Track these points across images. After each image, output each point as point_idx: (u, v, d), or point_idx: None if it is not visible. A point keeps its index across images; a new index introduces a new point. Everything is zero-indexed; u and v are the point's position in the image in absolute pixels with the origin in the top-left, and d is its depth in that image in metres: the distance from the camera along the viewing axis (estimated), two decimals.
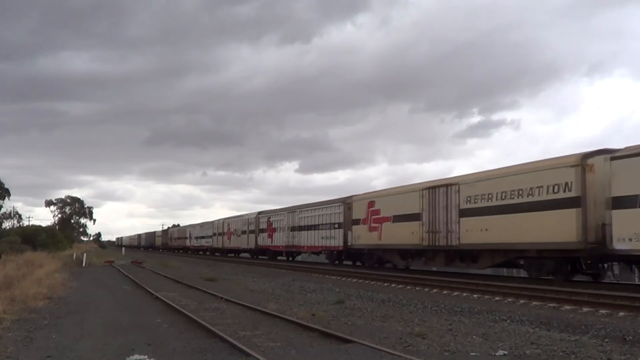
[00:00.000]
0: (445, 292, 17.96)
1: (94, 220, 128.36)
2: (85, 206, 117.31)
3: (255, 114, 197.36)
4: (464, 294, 17.05)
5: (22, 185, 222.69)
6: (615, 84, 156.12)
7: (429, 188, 24.93)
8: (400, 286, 20.35)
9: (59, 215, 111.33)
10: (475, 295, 16.58)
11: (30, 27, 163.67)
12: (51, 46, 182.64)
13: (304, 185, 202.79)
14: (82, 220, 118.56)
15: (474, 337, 9.76)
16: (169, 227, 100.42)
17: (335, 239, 33.79)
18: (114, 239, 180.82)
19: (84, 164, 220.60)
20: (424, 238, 24.63)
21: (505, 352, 8.49)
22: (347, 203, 33.22)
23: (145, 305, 14.97)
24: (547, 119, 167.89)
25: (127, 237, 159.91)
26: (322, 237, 35.48)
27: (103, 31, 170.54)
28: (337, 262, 35.41)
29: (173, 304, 14.25)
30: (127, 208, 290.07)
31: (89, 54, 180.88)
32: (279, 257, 45.34)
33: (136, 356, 8.38)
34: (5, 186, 73.71)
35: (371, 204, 30.03)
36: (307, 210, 38.98)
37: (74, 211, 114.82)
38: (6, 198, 74.68)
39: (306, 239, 38.10)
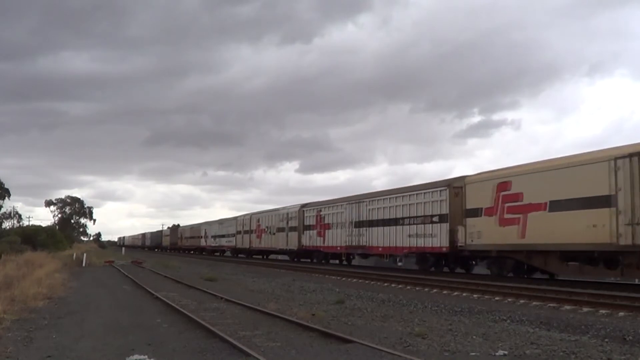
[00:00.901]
0: (445, 292, 17.96)
1: (94, 220, 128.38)
2: (85, 206, 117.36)
3: (256, 114, 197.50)
4: (464, 294, 17.05)
5: (22, 185, 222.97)
6: (615, 84, 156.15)
7: (629, 155, 16.33)
8: (400, 286, 20.35)
9: (59, 215, 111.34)
10: (475, 295, 16.58)
11: (31, 27, 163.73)
12: (51, 46, 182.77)
13: (304, 186, 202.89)
14: (82, 220, 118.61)
15: (474, 337, 9.76)
16: (178, 225, 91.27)
17: (435, 237, 25.17)
18: (116, 239, 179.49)
19: (84, 164, 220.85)
20: (620, 234, 16.20)
21: (505, 352, 8.49)
22: (454, 187, 24.71)
23: (145, 305, 14.97)
24: (548, 119, 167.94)
25: (129, 236, 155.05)
26: (410, 235, 26.90)
27: (103, 31, 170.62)
28: (433, 268, 26.68)
29: (173, 304, 14.25)
30: (127, 208, 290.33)
31: (89, 54, 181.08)
32: (332, 261, 37.05)
33: (136, 356, 8.38)
34: (5, 186, 73.69)
35: (503, 185, 21.28)
36: (383, 199, 29.89)
37: (74, 211, 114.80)
38: (6, 198, 74.67)
39: (381, 237, 29.27)
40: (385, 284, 21.32)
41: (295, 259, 41.47)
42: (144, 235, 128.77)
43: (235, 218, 56.39)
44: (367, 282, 22.61)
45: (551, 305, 13.99)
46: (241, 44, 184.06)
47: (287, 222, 41.83)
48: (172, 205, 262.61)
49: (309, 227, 38.45)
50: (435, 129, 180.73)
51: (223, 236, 60.08)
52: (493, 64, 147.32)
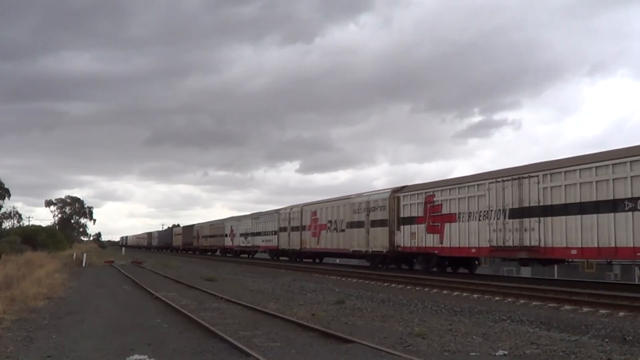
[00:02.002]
0: (445, 292, 17.95)
1: (94, 220, 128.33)
2: (85, 206, 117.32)
3: (257, 114, 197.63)
4: (464, 294, 17.04)
5: (23, 185, 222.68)
6: (616, 84, 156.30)
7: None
8: (400, 286, 20.34)
9: (59, 215, 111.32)
10: (475, 295, 16.57)
11: (31, 27, 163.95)
12: (52, 46, 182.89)
13: (305, 186, 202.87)
14: (82, 220, 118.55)
15: (474, 337, 9.76)
16: (193, 224, 78.21)
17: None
18: (118, 239, 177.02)
19: (84, 164, 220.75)
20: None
21: (505, 352, 8.49)
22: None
23: (145, 305, 14.97)
24: (548, 119, 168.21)
25: (133, 236, 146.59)
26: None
27: (104, 31, 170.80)
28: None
29: (173, 304, 14.25)
30: (127, 208, 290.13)
31: (89, 54, 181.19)
32: (447, 268, 26.05)
33: (136, 356, 8.38)
34: (6, 186, 73.69)
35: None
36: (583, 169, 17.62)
37: (74, 211, 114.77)
38: (6, 198, 74.65)
39: (569, 231, 17.69)
40: (385, 284, 21.31)
41: (381, 265, 29.36)
42: (150, 234, 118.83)
43: (277, 211, 44.38)
44: (367, 282, 22.60)
45: (551, 305, 13.98)
46: (242, 44, 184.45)
47: (368, 214, 29.56)
48: (172, 205, 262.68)
49: (410, 220, 26.22)
50: (436, 129, 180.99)
51: (258, 234, 48.35)
52: (494, 63, 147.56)
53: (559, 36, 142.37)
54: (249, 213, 54.80)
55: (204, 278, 24.34)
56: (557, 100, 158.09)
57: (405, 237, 26.41)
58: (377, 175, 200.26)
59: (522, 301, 14.99)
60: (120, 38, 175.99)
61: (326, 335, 9.75)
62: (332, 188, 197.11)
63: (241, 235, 53.33)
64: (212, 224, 66.81)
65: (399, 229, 27.01)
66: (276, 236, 43.55)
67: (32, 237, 56.63)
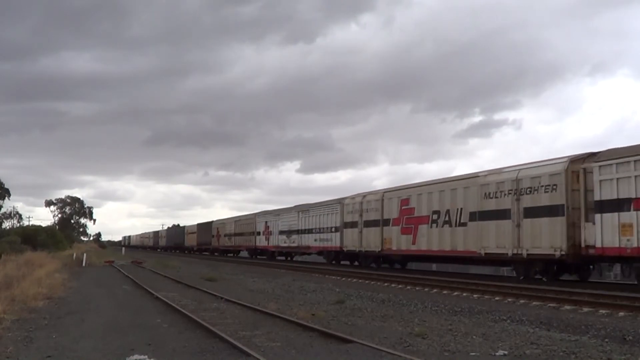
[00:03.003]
0: (445, 292, 17.95)
1: (94, 220, 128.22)
2: (85, 206, 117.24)
3: (257, 114, 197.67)
4: (464, 294, 17.04)
5: (23, 185, 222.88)
6: (617, 84, 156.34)
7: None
8: (400, 286, 20.34)
9: (59, 215, 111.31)
10: (475, 295, 16.57)
11: (32, 27, 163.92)
12: (52, 46, 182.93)
13: (305, 186, 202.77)
14: (82, 220, 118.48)
15: (474, 337, 9.76)
16: (211, 221, 67.12)
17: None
18: (119, 239, 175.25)
19: (84, 164, 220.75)
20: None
21: (505, 352, 8.49)
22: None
23: (145, 305, 14.97)
24: (549, 119, 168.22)
25: (137, 235, 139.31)
26: None
27: (104, 31, 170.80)
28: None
29: (173, 304, 14.25)
30: (127, 208, 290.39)
31: (90, 54, 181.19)
32: None
33: (136, 356, 8.38)
34: (6, 186, 73.64)
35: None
36: None
37: (74, 211, 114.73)
38: (6, 198, 74.63)
39: None
40: (385, 284, 21.31)
41: (547, 278, 19.14)
42: (157, 233, 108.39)
43: (339, 201, 33.82)
44: (367, 282, 22.60)
45: (551, 305, 13.98)
46: (243, 44, 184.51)
47: (517, 199, 19.59)
48: (172, 206, 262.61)
49: (616, 205, 16.22)
50: (436, 129, 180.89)
51: (308, 232, 37.73)
52: (495, 63, 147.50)
53: (560, 36, 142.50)
54: (291, 205, 43.20)
55: (204, 278, 24.33)
56: (558, 100, 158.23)
57: (606, 232, 16.35)
58: (378, 175, 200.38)
59: (522, 301, 14.98)
60: (121, 38, 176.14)
61: (326, 335, 9.75)
62: (332, 188, 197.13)
63: (281, 233, 42.48)
64: (238, 220, 56.44)
65: (589, 219, 17.20)
66: (338, 234, 32.94)
67: (32, 237, 56.64)
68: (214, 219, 66.33)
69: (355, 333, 9.97)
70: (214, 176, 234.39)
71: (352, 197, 32.36)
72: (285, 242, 42.01)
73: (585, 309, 13.15)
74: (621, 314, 12.34)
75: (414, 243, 25.51)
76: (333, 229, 34.02)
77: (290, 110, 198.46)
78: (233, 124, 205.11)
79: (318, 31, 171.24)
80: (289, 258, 44.13)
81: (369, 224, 29.53)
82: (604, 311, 12.72)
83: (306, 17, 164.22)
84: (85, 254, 41.59)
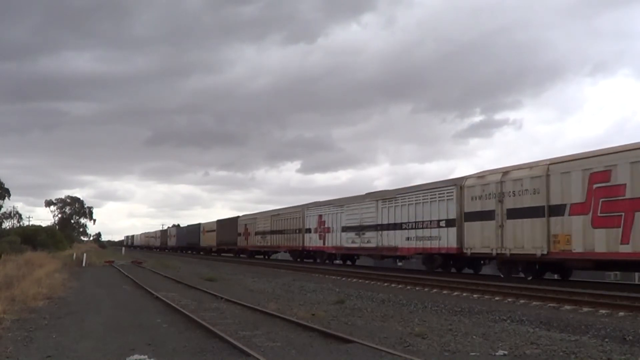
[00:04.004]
0: (445, 292, 17.95)
1: (94, 220, 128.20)
2: (85, 206, 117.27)
3: (258, 114, 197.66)
4: (464, 294, 17.04)
5: (23, 185, 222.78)
6: (618, 84, 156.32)
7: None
8: (400, 286, 20.34)
9: (59, 215, 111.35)
10: (475, 295, 16.57)
11: (32, 26, 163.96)
12: (53, 46, 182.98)
13: (306, 186, 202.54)
14: (82, 220, 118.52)
15: (474, 337, 9.76)
16: (237, 217, 57.21)
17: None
18: (120, 238, 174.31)
19: (85, 164, 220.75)
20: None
21: (505, 352, 8.49)
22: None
23: (145, 305, 14.97)
24: (550, 119, 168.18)
25: (141, 235, 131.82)
26: None
27: (105, 31, 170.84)
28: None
29: (173, 304, 14.25)
30: (127, 208, 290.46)
31: (91, 53, 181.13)
32: None
33: (136, 356, 8.38)
34: (6, 186, 73.68)
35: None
36: None
37: (74, 211, 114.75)
38: (6, 198, 74.66)
39: None
40: (385, 284, 21.32)
41: None
42: (165, 232, 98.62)
43: (454, 182, 24.09)
44: (367, 282, 22.61)
45: (551, 305, 13.98)
46: (244, 44, 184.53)
47: None
48: (172, 206, 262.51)
49: None
50: (437, 129, 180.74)
51: (398, 226, 27.11)
52: (496, 63, 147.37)
53: (561, 36, 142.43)
54: (363, 193, 32.75)
55: (204, 278, 24.33)
56: (559, 100, 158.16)
57: None
58: (378, 175, 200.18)
59: (522, 301, 14.98)
60: (122, 38, 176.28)
61: (326, 335, 9.75)
62: (333, 188, 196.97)
63: (347, 229, 31.98)
64: (276, 214, 45.46)
65: None
66: (452, 229, 23.17)
67: (32, 237, 56.64)
68: (240, 214, 56.69)
69: (355, 333, 9.97)
70: (214, 176, 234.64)
71: (481, 176, 22.02)
72: (353, 242, 31.16)
73: (585, 309, 13.15)
74: (621, 314, 12.34)
75: (625, 242, 15.85)
76: (442, 223, 23.85)
77: (291, 110, 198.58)
78: (234, 124, 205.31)
79: (319, 31, 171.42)
80: (348, 261, 35.01)
81: (518, 213, 19.76)
82: (604, 311, 12.72)
83: (307, 17, 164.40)
84: (85, 254, 41.56)
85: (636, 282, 19.49)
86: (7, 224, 79.07)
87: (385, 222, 28.33)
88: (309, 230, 38.15)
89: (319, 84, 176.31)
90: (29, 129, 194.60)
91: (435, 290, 18.45)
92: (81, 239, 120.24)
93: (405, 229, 26.49)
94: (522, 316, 12.24)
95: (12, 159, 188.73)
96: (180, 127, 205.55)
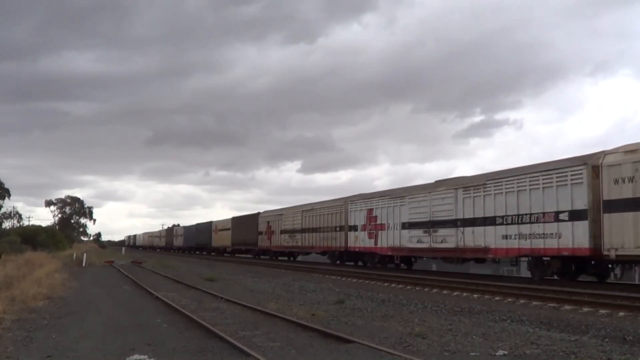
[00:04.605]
0: (445, 292, 17.95)
1: (94, 220, 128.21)
2: (85, 206, 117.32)
3: (259, 114, 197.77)
4: (464, 294, 17.04)
5: (24, 185, 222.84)
6: (618, 84, 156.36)
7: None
8: (400, 286, 20.34)
9: (59, 215, 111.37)
10: (475, 295, 16.57)
11: (33, 26, 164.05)
12: (53, 46, 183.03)
13: (306, 185, 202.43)
14: (82, 220, 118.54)
15: (474, 337, 9.76)
16: (258, 213, 49.88)
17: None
18: (120, 238, 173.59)
19: (85, 163, 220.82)
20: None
21: (505, 352, 8.49)
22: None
23: (145, 305, 14.97)
24: (550, 119, 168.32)
25: (144, 234, 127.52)
26: None
27: (106, 31, 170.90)
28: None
29: (173, 304, 14.25)
30: (127, 208, 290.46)
31: (91, 53, 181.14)
32: None
33: (136, 356, 8.38)
34: (6, 186, 73.66)
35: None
36: None
37: (74, 211, 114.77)
38: (6, 198, 74.65)
39: None
40: (385, 284, 21.31)
41: None
42: (170, 231, 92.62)
43: (583, 161, 17.93)
44: (367, 282, 22.60)
45: (551, 305, 13.98)
46: (245, 44, 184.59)
47: None
48: (172, 206, 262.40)
49: None
50: (437, 129, 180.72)
51: (489, 221, 21.29)
52: (496, 63, 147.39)
53: (562, 36, 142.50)
54: (432, 181, 26.74)
55: (204, 278, 24.33)
56: (559, 100, 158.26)
57: None
58: (379, 175, 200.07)
59: (522, 301, 14.98)
60: (123, 38, 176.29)
61: (326, 335, 9.75)
62: (333, 188, 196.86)
63: (410, 226, 26.09)
64: (308, 210, 38.52)
65: None
66: (581, 225, 17.65)
67: (32, 237, 56.64)
68: (261, 211, 49.59)
69: (355, 333, 9.97)
70: (214, 176, 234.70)
71: (631, 150, 16.41)
72: (419, 241, 25.56)
73: (585, 309, 13.15)
74: (621, 314, 12.34)
75: None
76: (563, 215, 18.25)
77: (291, 110, 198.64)
78: (234, 124, 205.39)
79: (320, 31, 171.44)
80: (405, 266, 29.13)
81: None
82: (604, 311, 12.71)
83: (308, 17, 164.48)
84: (85, 254, 41.55)
85: (636, 282, 19.44)
86: (7, 224, 79.22)
87: (469, 216, 22.28)
88: (354, 228, 31.57)
89: (319, 84, 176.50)
90: (29, 129, 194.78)
91: (435, 290, 18.44)
92: (81, 239, 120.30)
93: (502, 224, 20.48)
94: (522, 316, 12.24)
95: (12, 159, 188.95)
96: (181, 127, 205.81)
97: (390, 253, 28.31)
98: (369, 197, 31.24)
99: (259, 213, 49.35)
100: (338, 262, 34.72)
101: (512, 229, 20.07)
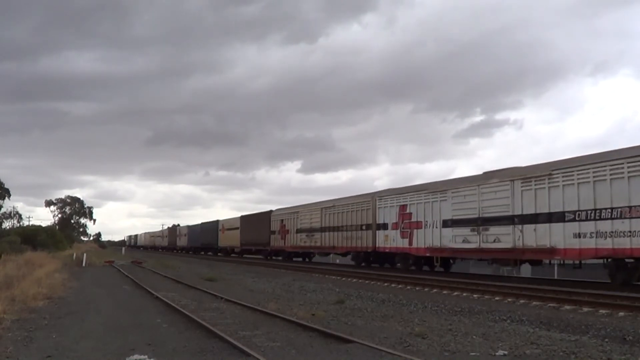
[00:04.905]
0: (445, 292, 17.95)
1: (94, 220, 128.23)
2: (85, 206, 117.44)
3: (259, 114, 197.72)
4: (464, 294, 17.04)
5: (24, 185, 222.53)
6: (619, 84, 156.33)
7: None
8: (400, 286, 20.34)
9: (59, 215, 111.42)
10: (475, 295, 16.57)
11: (33, 26, 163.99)
12: (54, 46, 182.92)
13: (306, 185, 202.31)
14: (82, 220, 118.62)
15: (474, 337, 9.76)
16: (270, 210, 46.68)
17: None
18: (120, 238, 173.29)
19: (85, 164, 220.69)
20: None
21: (505, 352, 8.49)
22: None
23: (145, 305, 14.97)
24: (550, 119, 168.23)
25: (145, 234, 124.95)
26: None
27: (106, 31, 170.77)
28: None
29: (173, 304, 14.25)
30: (127, 208, 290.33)
31: (92, 53, 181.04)
32: None
33: (136, 356, 8.38)
34: (6, 186, 73.70)
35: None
36: None
37: (74, 211, 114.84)
38: (6, 198, 74.66)
39: None
40: (385, 284, 21.31)
41: None
42: (173, 231, 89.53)
43: None
44: (367, 282, 22.60)
45: (551, 305, 13.98)
46: (245, 44, 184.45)
47: None
48: (172, 206, 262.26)
49: None
50: (437, 129, 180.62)
51: (549, 217, 18.48)
52: (496, 63, 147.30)
53: (562, 36, 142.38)
54: (480, 173, 23.75)
55: (204, 278, 24.34)
56: (559, 100, 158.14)
57: None
58: (379, 175, 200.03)
59: (522, 301, 14.99)
60: (123, 38, 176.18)
61: (326, 335, 9.75)
62: (333, 188, 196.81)
63: (453, 223, 23.15)
64: (329, 207, 34.85)
65: None
66: None
67: (32, 237, 56.66)
68: (275, 208, 46.91)
69: (355, 333, 9.97)
70: (214, 176, 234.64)
71: None
72: (465, 241, 22.42)
73: (585, 309, 13.15)
74: (621, 314, 12.34)
75: None
76: None
77: (291, 110, 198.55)
78: (234, 124, 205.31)
79: (320, 31, 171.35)
80: (436, 267, 26.53)
81: None
82: (604, 311, 12.72)
83: (308, 17, 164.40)
84: (85, 254, 41.56)
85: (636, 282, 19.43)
86: (7, 224, 79.24)
87: (529, 211, 19.46)
88: (383, 226, 28.24)
89: (319, 84, 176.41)
90: (29, 129, 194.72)
91: (435, 290, 18.45)
92: (81, 239, 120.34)
93: (572, 220, 17.70)
94: (522, 316, 12.24)
95: (13, 159, 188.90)
96: (181, 127, 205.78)
97: (427, 254, 25.09)
98: (402, 192, 27.66)
99: (271, 211, 46.16)
100: (363, 264, 31.71)
101: (587, 227, 17.06)
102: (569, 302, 13.98)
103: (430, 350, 8.63)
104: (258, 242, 47.86)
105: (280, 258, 44.12)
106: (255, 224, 48.47)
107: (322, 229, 35.32)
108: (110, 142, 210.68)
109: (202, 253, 67.98)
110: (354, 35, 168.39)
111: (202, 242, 67.76)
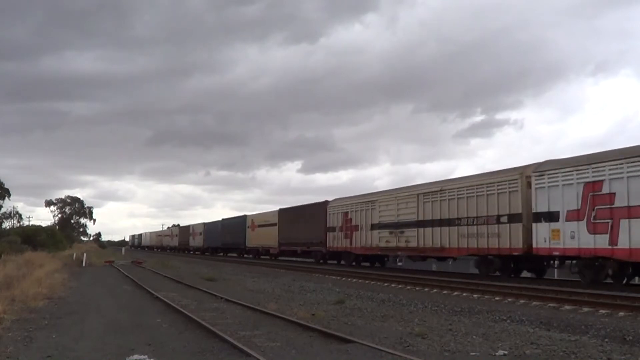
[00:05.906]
0: (445, 292, 17.95)
1: (94, 220, 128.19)
2: (85, 206, 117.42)
3: (260, 114, 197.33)
4: (464, 294, 17.05)
5: (24, 185, 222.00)
6: (619, 84, 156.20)
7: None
8: (400, 286, 20.35)
9: (59, 215, 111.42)
10: (475, 295, 16.57)
11: (34, 26, 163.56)
12: (55, 46, 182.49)
13: (306, 185, 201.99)
14: (82, 220, 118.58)
15: (474, 337, 9.76)
16: (326, 201, 37.31)
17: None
18: (120, 238, 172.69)
19: (86, 164, 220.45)
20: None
21: (505, 352, 8.49)
22: None
23: (145, 305, 14.98)
24: (551, 119, 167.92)
25: (150, 233, 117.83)
26: None
27: (107, 31, 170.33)
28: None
29: (173, 304, 14.25)
30: (128, 208, 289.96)
31: (92, 53, 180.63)
32: None
33: (136, 356, 8.38)
34: (6, 186, 73.65)
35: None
36: None
37: (74, 211, 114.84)
38: (6, 198, 74.64)
39: None
40: (385, 284, 21.32)
41: None
42: (185, 229, 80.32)
43: None
44: (367, 282, 22.61)
45: (551, 305, 13.98)
46: (246, 44, 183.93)
47: None
48: (173, 206, 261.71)
49: None
50: (438, 129, 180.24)
51: None
52: (497, 63, 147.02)
53: (562, 36, 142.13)
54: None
55: (204, 278, 24.34)
56: (560, 100, 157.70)
57: None
58: (379, 175, 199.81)
59: (522, 301, 14.98)
60: (124, 38, 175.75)
61: (326, 335, 9.75)
62: (333, 188, 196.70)
63: None
64: (432, 192, 25.55)
65: None
66: None
67: (32, 237, 56.60)
68: (332, 199, 37.15)
69: (355, 333, 9.97)
70: (215, 176, 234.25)
71: None
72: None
73: (585, 309, 13.15)
74: (621, 314, 12.34)
75: None
76: None
77: (292, 110, 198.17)
78: (235, 124, 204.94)
79: (321, 31, 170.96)
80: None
81: None
82: (604, 311, 12.72)
83: (310, 17, 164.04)
84: (85, 254, 41.58)
85: (636, 282, 19.44)
86: (7, 224, 79.02)
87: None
88: (545, 217, 18.96)
89: (320, 84, 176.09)
90: (30, 129, 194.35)
91: (435, 290, 18.45)
92: (81, 239, 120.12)
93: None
94: (522, 316, 12.24)
95: (13, 159, 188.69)
96: (182, 127, 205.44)
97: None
98: (585, 161, 17.85)
99: (327, 201, 37.09)
100: (513, 275, 21.80)
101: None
102: (569, 302, 13.98)
103: (430, 350, 8.63)
104: (306, 242, 38.81)
105: (342, 262, 35.08)
106: (302, 219, 39.60)
107: (418, 224, 26.30)
108: (110, 142, 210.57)
109: (221, 255, 58.73)
110: (355, 35, 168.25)
111: (224, 241, 58.28)
